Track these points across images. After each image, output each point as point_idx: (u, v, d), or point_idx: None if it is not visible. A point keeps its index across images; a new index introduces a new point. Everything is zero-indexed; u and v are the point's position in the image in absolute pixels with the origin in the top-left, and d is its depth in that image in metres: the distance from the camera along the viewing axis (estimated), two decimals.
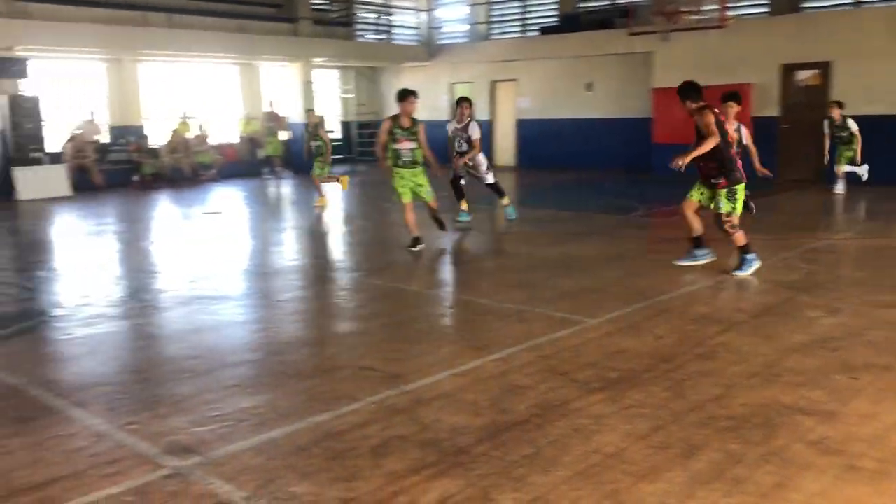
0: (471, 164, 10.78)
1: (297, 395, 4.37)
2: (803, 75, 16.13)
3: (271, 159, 19.36)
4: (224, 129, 20.30)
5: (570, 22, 19.85)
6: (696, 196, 7.28)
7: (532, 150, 20.70)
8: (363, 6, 23.50)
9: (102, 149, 17.31)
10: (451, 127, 10.78)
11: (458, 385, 4.48)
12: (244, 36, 18.56)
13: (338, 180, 14.24)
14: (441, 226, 9.40)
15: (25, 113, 15.38)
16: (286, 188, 17.26)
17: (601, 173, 18.06)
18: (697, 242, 7.49)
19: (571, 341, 5.26)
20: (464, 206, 10.80)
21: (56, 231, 12.06)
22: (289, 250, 9.81)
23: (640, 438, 3.69)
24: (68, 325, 5.99)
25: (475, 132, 10.49)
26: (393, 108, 8.69)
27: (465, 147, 10.55)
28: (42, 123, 15.70)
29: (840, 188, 13.53)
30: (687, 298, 6.50)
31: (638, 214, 12.01)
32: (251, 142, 20.27)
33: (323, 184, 13.68)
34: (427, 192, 8.87)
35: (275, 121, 19.61)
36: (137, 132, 17.96)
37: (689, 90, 7.02)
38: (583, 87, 19.94)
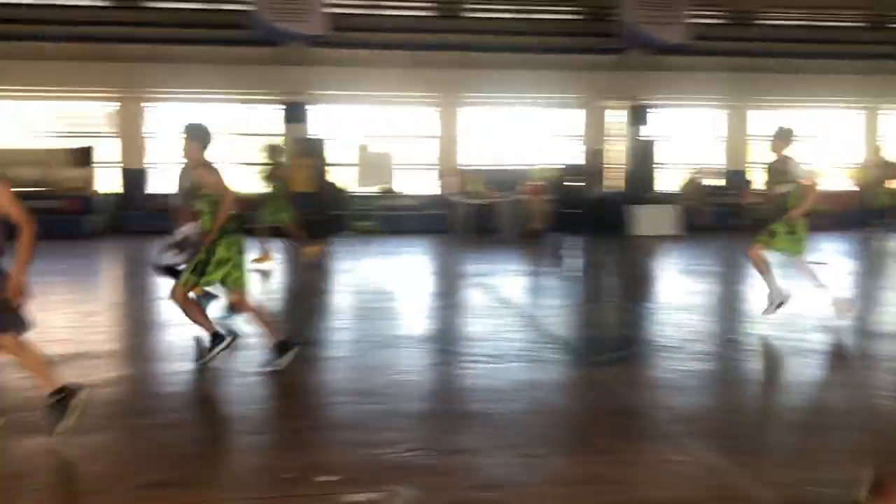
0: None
1: None
2: None
3: (884, 211, 17.59)
4: (832, 176, 19.24)
5: None
6: None
7: None
8: None
9: (714, 191, 17.94)
10: None
11: None
12: (873, 78, 17.52)
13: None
14: None
15: (644, 155, 17.11)
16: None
17: None
18: None
19: None
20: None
21: (661, 267, 12.87)
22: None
23: None
24: (676, 357, 6.29)
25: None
26: None
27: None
28: (654, 166, 17.14)
29: None
30: None
31: None
32: (861, 191, 18.77)
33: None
34: None
35: (886, 168, 17.81)
36: (743, 176, 18.25)
37: None
38: None
